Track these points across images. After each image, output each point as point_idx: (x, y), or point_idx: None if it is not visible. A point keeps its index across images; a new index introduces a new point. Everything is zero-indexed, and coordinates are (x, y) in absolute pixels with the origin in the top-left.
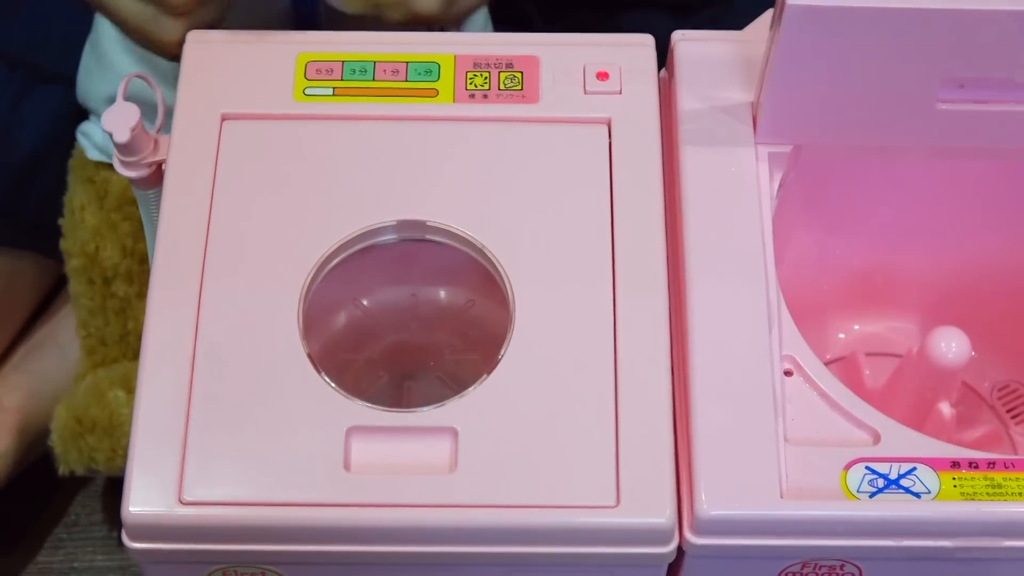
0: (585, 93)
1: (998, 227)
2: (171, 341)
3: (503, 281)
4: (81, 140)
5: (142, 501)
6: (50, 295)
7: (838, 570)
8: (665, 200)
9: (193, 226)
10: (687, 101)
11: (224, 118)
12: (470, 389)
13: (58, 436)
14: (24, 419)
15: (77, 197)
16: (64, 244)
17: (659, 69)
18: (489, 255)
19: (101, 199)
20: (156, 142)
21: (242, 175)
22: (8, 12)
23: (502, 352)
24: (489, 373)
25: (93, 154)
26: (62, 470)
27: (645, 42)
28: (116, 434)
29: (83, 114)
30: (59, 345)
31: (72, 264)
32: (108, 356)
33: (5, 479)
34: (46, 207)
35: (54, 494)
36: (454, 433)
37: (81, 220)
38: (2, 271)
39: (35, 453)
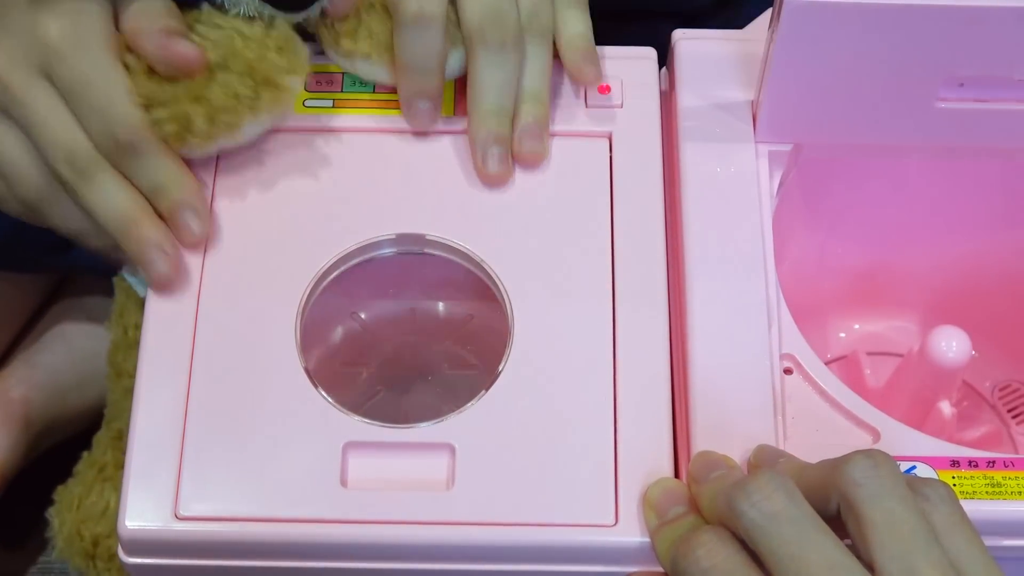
0: (587, 107)
1: (999, 226)
2: (168, 354)
3: (502, 296)
4: (129, 280)
5: (138, 516)
6: (54, 292)
7: None
8: (666, 201)
9: None
10: (687, 100)
11: None
12: (468, 405)
13: (63, 532)
14: (32, 411)
15: (131, 315)
16: (113, 358)
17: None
18: (488, 269)
19: None
20: None
21: (241, 187)
22: None
23: (500, 367)
24: (487, 389)
25: (142, 291)
26: (57, 556)
27: (647, 55)
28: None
29: None
30: (66, 339)
31: (123, 383)
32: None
33: (15, 470)
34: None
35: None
36: (451, 449)
37: (135, 339)
38: None
39: (43, 446)
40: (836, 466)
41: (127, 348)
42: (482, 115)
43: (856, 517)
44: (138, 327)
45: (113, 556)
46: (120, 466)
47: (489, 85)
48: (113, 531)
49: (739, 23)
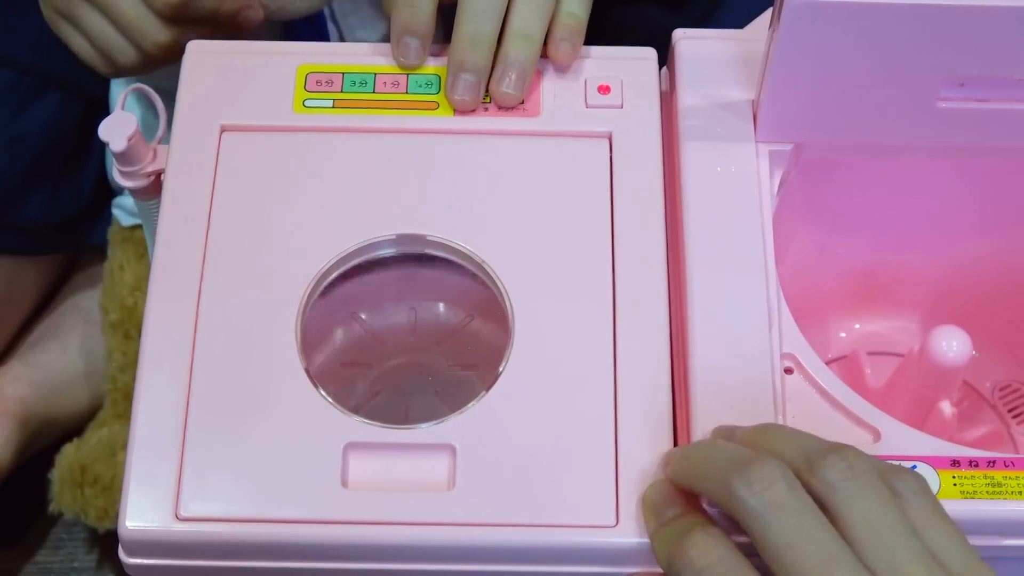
0: (586, 107)
1: (999, 226)
2: (168, 354)
3: (502, 296)
4: (115, 212)
5: (139, 516)
6: (53, 289)
7: None
8: (666, 201)
9: (191, 238)
10: (688, 99)
11: (223, 129)
12: (469, 406)
13: (59, 474)
14: (26, 409)
15: (116, 259)
16: (103, 301)
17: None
18: (488, 270)
19: (140, 255)
20: (155, 152)
21: (241, 187)
22: (17, 18)
23: (501, 368)
24: (488, 389)
25: (128, 220)
26: (53, 507)
27: (647, 55)
28: (114, 495)
29: (90, 112)
30: (61, 338)
31: (110, 319)
32: (130, 411)
33: (9, 468)
34: (48, 209)
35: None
36: (452, 450)
37: (120, 279)
38: (4, 270)
39: (37, 445)
40: (810, 466)
41: (111, 287)
42: (459, 40)
43: (834, 518)
44: (122, 267)
45: (98, 480)
46: (116, 411)
47: (471, 9)
48: (100, 458)
49: (725, 6)
